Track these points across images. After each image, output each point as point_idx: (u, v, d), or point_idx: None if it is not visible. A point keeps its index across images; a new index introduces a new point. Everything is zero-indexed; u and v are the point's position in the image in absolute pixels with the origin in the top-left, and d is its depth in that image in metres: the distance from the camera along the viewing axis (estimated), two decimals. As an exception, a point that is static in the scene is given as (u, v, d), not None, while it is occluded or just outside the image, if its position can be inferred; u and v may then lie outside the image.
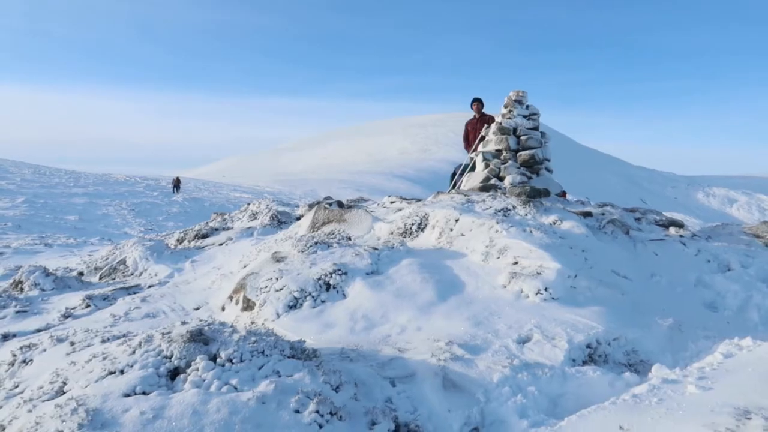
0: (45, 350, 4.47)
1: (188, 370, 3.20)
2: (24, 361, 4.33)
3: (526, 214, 6.77)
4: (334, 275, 5.45)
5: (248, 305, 5.43)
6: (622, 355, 4.35)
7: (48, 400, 3.12)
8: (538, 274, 5.21)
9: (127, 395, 2.96)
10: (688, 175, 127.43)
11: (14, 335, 5.38)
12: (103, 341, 4.43)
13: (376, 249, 6.05)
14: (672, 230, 7.92)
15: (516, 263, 5.54)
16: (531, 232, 6.06)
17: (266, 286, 5.46)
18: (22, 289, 6.99)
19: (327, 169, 78.53)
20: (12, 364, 4.33)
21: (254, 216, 10.79)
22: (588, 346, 4.29)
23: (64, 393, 3.18)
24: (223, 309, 5.81)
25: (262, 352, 3.41)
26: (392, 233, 6.96)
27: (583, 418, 3.23)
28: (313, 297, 5.23)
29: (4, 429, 2.96)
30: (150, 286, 7.10)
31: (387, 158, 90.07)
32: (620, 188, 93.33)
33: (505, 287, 5.18)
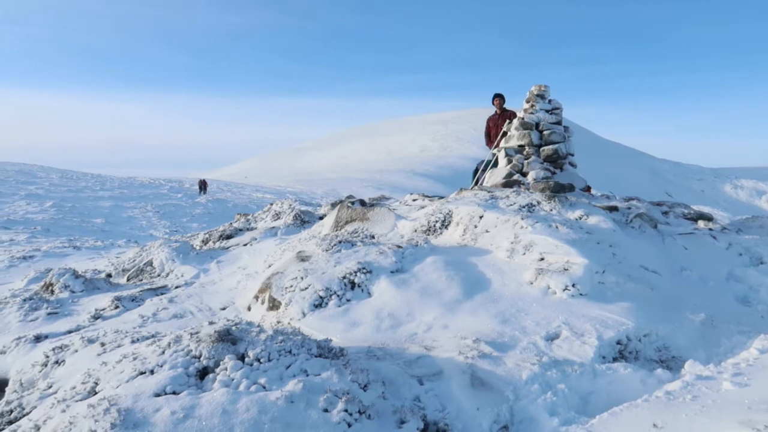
0: (76, 351, 4.55)
1: (217, 370, 3.23)
2: (56, 362, 4.41)
3: (551, 210, 6.69)
4: (358, 274, 5.45)
5: (274, 305, 5.46)
6: (654, 352, 4.28)
7: (81, 400, 3.18)
8: (565, 269, 5.14)
9: (158, 395, 2.99)
10: (714, 167, 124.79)
11: (46, 336, 5.49)
12: (133, 342, 4.49)
13: (400, 247, 6.03)
14: (701, 223, 7.76)
15: (542, 259, 5.48)
16: (557, 227, 5.98)
17: (291, 286, 5.48)
18: (52, 292, 7.12)
19: (347, 168, 78.68)
20: (45, 365, 4.42)
21: (277, 216, 10.84)
22: (618, 343, 4.22)
23: (96, 393, 3.23)
24: (249, 309, 5.85)
25: (290, 352, 3.42)
26: (416, 231, 6.93)
27: (615, 415, 3.17)
28: (338, 296, 5.23)
29: (39, 428, 3.02)
30: (177, 287, 7.17)
31: (407, 156, 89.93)
32: (645, 182, 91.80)
33: (531, 284, 5.12)
